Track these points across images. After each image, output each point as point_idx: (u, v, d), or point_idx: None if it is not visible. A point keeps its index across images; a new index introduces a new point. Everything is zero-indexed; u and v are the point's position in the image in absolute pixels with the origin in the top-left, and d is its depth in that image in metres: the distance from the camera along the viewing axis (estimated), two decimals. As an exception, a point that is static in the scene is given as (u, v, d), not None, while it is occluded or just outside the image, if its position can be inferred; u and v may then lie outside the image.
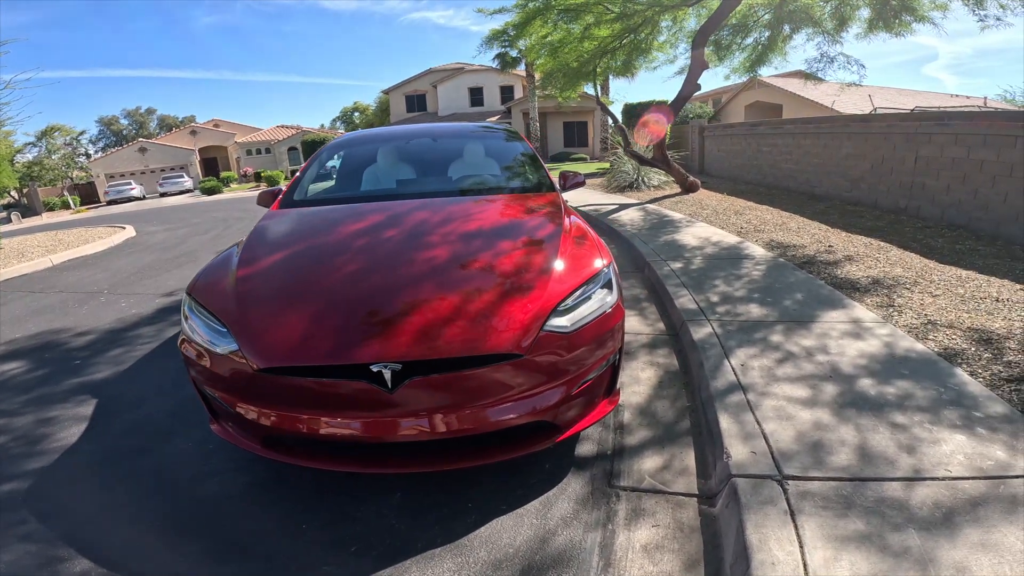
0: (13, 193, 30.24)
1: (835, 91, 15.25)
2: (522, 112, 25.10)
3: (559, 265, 1.97)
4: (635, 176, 10.66)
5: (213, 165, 35.47)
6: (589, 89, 11.33)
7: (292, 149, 33.05)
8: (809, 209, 6.86)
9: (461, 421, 1.66)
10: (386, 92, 32.53)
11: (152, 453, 2.32)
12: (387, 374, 1.59)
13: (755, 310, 3.26)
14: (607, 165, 14.44)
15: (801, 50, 26.36)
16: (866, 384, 2.25)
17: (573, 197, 9.61)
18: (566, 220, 2.35)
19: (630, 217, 7.15)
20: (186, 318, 1.98)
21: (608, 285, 2.00)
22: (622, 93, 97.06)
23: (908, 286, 3.53)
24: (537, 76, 12.42)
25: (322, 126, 50.09)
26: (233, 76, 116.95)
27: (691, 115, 18.71)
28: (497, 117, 28.69)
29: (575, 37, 8.09)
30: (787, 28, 7.22)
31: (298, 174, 3.26)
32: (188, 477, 2.12)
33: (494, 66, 21.23)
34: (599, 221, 7.09)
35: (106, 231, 11.27)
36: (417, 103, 31.67)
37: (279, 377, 1.66)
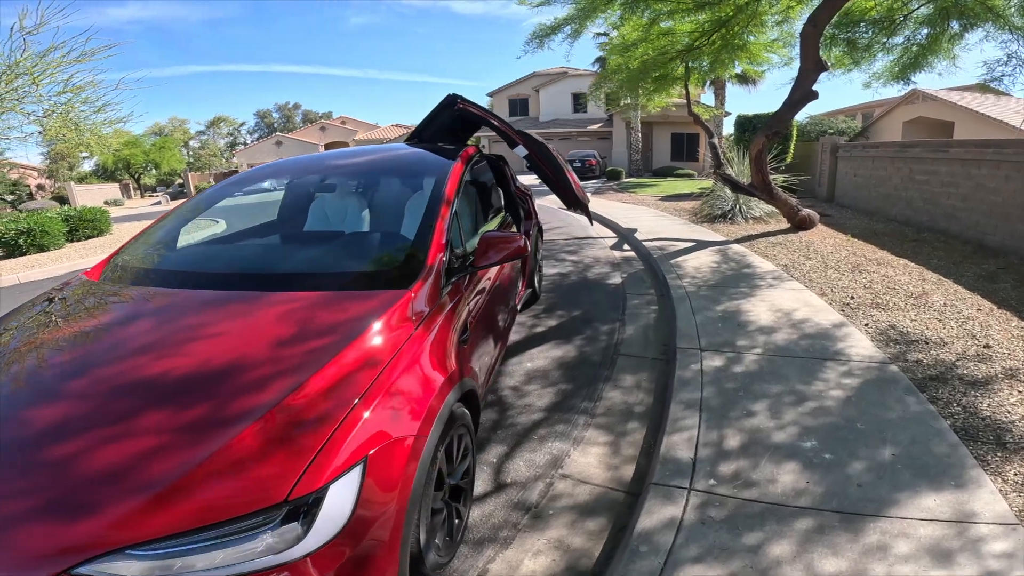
0: (179, 178, 36.07)
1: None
2: (624, 121, 23.77)
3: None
4: (733, 204, 9.08)
5: None
6: (709, 99, 9.92)
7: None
8: (971, 270, 5.02)
9: None
10: (490, 95, 33.25)
11: None
12: None
13: (787, 480, 2.08)
14: (709, 185, 12.78)
15: (977, 51, 21.65)
16: None
17: (644, 225, 8.38)
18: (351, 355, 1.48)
19: (699, 263, 5.85)
20: None
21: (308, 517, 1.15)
22: (740, 103, 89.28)
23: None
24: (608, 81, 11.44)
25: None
26: (376, 75, 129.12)
27: (829, 129, 16.04)
28: (599, 125, 27.66)
29: (655, 33, 6.96)
30: (955, 24, 5.41)
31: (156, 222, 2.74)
32: None
33: (596, 70, 20.30)
34: (655, 266, 5.91)
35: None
36: (520, 107, 31.88)
37: None
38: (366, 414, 1.32)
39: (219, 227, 3.40)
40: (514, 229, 4.43)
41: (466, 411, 1.90)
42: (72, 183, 31.37)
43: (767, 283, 4.92)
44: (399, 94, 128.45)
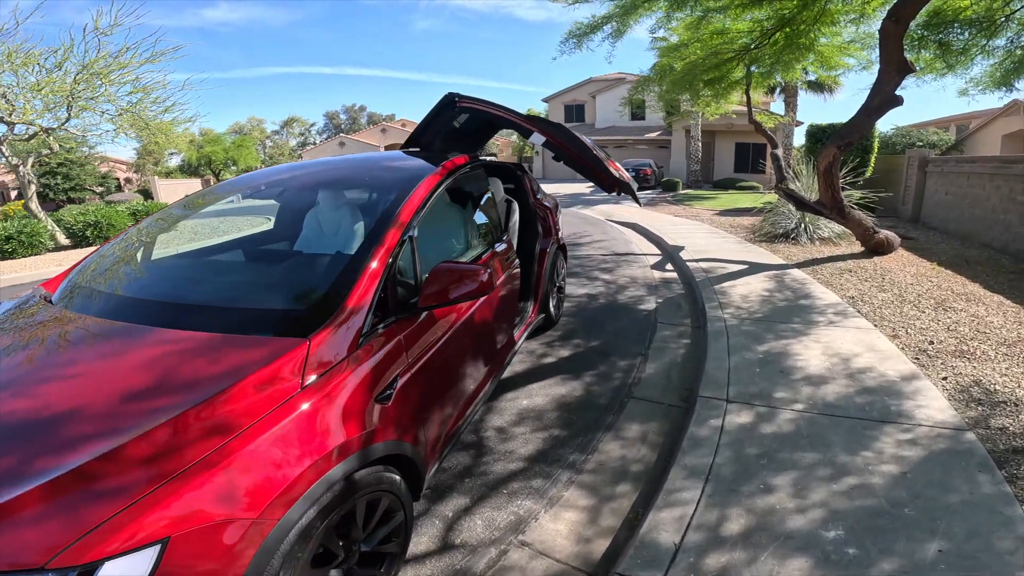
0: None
1: None
2: (684, 129, 22.85)
3: None
4: (797, 223, 8.29)
5: None
6: (780, 108, 9.22)
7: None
8: (1089, 316, 4.17)
9: None
10: (546, 100, 33.20)
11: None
12: None
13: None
14: (773, 200, 11.89)
15: None
16: None
17: (693, 243, 7.79)
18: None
19: (749, 291, 5.26)
20: None
21: None
22: (815, 112, 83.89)
23: None
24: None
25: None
26: (438, 78, 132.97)
27: (918, 142, 14.58)
28: (657, 133, 26.82)
29: (707, 32, 6.42)
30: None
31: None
32: None
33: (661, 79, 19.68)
34: (696, 291, 5.38)
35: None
36: (575, 113, 31.60)
37: None
38: (184, 489, 1.16)
39: (189, 239, 3.25)
40: (530, 246, 4.11)
41: (391, 475, 1.65)
42: (156, 178, 34.21)
43: (827, 319, 4.30)
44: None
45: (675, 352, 3.99)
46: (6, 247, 10.93)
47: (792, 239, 8.05)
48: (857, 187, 9.10)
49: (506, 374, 3.55)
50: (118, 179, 36.61)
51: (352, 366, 1.59)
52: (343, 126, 71.75)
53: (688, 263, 6.66)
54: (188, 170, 39.96)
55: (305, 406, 1.40)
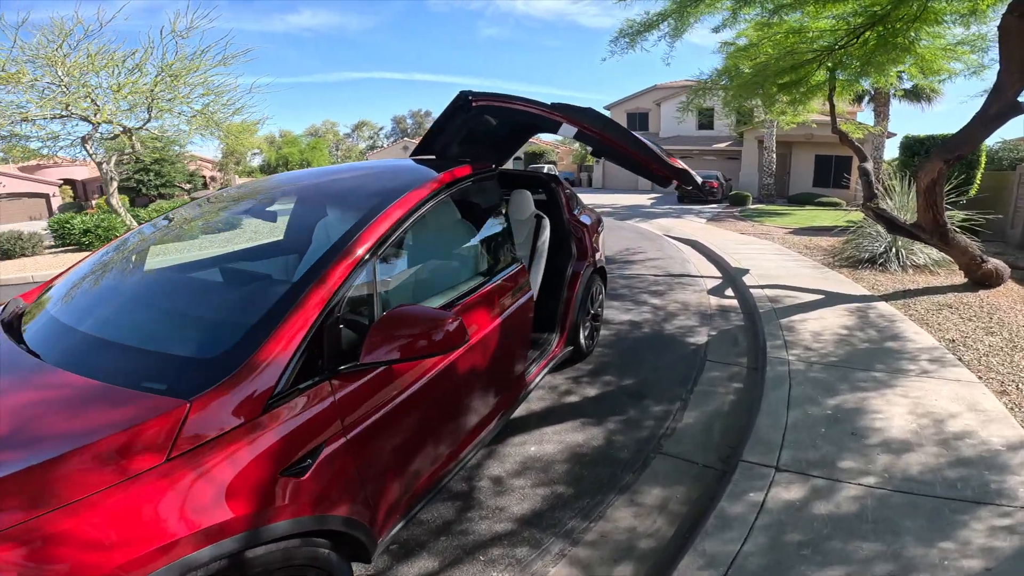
0: None
1: None
2: (756, 139, 21.54)
3: None
4: (886, 247, 7.35)
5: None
6: (868, 118, 8.34)
7: (516, 158, 36.06)
8: None
9: None
10: (608, 108, 32.66)
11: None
12: None
13: None
14: (858, 219, 10.78)
15: None
16: None
17: (760, 265, 7.06)
18: None
19: (822, 326, 4.59)
20: None
21: None
22: (909, 123, 76.34)
23: None
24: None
25: (551, 140, 53.87)
26: (502, 84, 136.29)
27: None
28: (726, 144, 25.55)
29: (781, 31, 5.77)
30: None
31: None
32: None
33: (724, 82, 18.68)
34: (758, 324, 4.77)
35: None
36: (639, 121, 30.80)
37: None
38: None
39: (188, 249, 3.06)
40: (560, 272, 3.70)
41: (315, 550, 1.40)
42: (236, 176, 36.74)
43: (918, 367, 3.61)
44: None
45: (722, 399, 3.46)
46: (84, 239, 11.88)
47: (880, 265, 7.12)
48: (959, 207, 8.00)
49: (520, 412, 3.20)
50: (204, 177, 39.52)
51: (251, 435, 1.30)
52: (409, 130, 74.52)
53: (752, 289, 6.00)
54: (268, 170, 42.67)
55: (166, 482, 1.15)
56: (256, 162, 46.07)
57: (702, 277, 7.24)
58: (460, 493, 2.47)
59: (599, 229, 4.45)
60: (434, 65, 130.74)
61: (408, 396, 1.79)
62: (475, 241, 2.61)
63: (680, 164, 3.03)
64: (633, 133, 2.94)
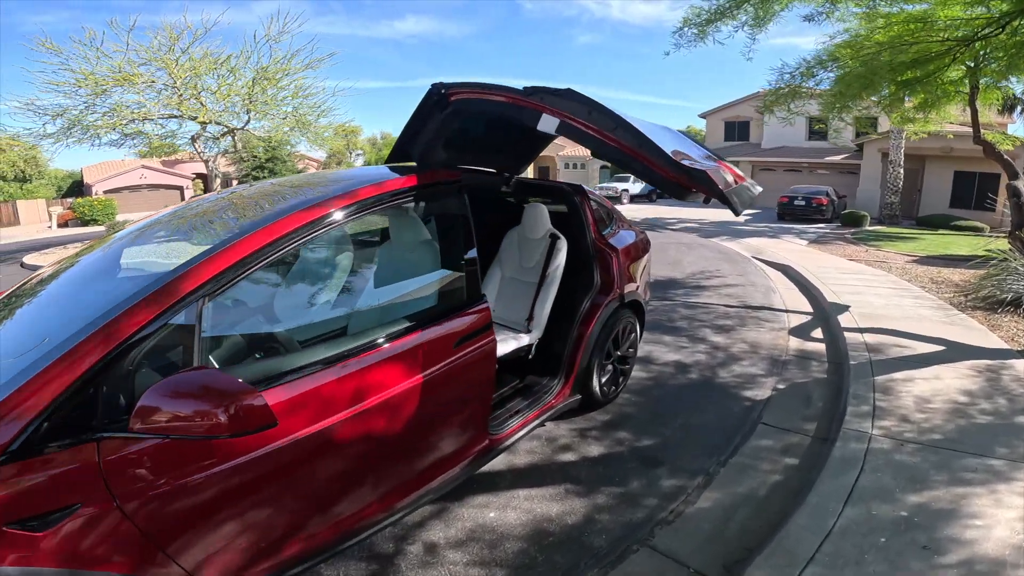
0: None
1: None
2: (879, 152, 18.96)
3: None
4: (1037, 288, 5.85)
5: (545, 174, 41.55)
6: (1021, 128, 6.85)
7: (604, 167, 35.40)
8: None
9: None
10: (703, 116, 30.88)
11: None
12: None
13: None
14: (1003, 248, 8.93)
15: None
16: None
17: (865, 301, 5.90)
18: None
19: (933, 391, 3.58)
20: None
21: None
22: None
23: None
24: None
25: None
26: (598, 92, 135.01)
27: None
28: (842, 156, 22.93)
29: (897, 19, 4.68)
30: None
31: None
32: None
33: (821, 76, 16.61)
34: (844, 380, 3.83)
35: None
36: (738, 131, 28.70)
37: None
38: None
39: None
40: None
41: None
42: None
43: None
44: (619, 110, 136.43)
45: (762, 479, 2.70)
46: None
47: (1026, 311, 5.67)
48: None
49: (498, 466, 2.74)
50: (311, 175, 43.12)
51: None
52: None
53: (847, 333, 4.94)
54: (368, 171, 45.85)
55: None
56: (359, 162, 49.28)
57: (786, 312, 6.19)
58: (378, 555, 2.10)
59: (639, 254, 3.78)
60: (530, 71, 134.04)
61: (245, 463, 1.50)
62: (410, 274, 2.23)
63: (700, 164, 2.23)
64: (632, 122, 2.21)
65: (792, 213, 17.92)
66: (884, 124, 20.04)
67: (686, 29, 5.39)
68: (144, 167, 31.46)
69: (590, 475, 2.70)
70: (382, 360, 1.85)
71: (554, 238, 3.17)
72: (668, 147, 2.16)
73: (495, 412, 2.60)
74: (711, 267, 9.09)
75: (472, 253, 2.26)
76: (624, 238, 3.66)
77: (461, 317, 2.15)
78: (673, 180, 2.21)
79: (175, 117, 14.25)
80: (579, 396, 3.10)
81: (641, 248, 3.85)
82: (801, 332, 5.35)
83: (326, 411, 1.68)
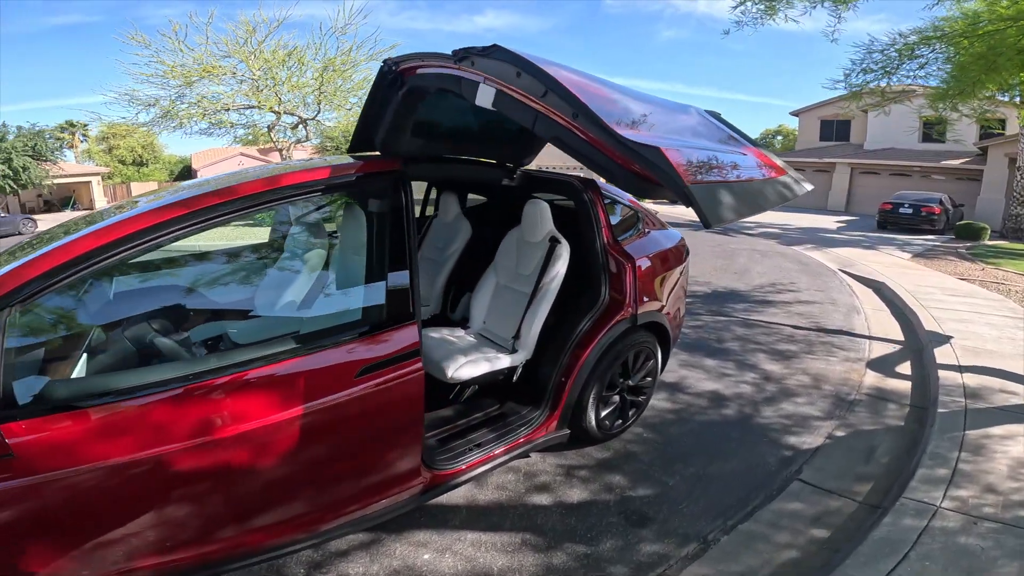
0: None
1: None
2: (1006, 156, 16.44)
3: None
4: None
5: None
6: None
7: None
8: None
9: None
10: (795, 113, 28.65)
11: None
12: None
13: None
14: None
15: None
16: None
17: (970, 332, 4.95)
18: None
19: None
20: None
21: None
22: None
23: None
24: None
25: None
26: (684, 89, 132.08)
27: None
28: (961, 161, 20.22)
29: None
30: None
31: None
32: None
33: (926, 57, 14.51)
34: (925, 433, 3.11)
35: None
36: (836, 130, 26.22)
37: None
38: None
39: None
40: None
41: None
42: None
43: None
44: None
45: (771, 555, 2.16)
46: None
47: None
48: None
49: (458, 499, 2.44)
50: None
51: None
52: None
53: (942, 371, 4.09)
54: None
55: None
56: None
57: (868, 339, 5.30)
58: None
59: (668, 265, 3.22)
60: (611, 67, 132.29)
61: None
62: (296, 286, 1.94)
63: (667, 141, 1.63)
64: (570, 86, 1.64)
65: (896, 222, 15.98)
66: (1013, 126, 17.39)
67: (748, 3, 4.67)
68: (242, 154, 34.22)
69: (558, 526, 2.29)
70: (234, 389, 1.58)
71: (554, 242, 2.75)
72: (618, 117, 1.65)
73: (452, 443, 2.26)
74: (784, 279, 8.15)
75: (403, 261, 1.91)
76: (648, 245, 3.14)
77: (371, 341, 1.81)
78: (626, 168, 1.67)
79: (252, 107, 15.12)
80: (568, 431, 2.68)
81: (672, 258, 3.29)
82: (883, 365, 4.52)
83: (157, 439, 1.46)
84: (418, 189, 3.87)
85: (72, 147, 38.89)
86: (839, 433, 3.27)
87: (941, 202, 16.06)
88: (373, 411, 1.82)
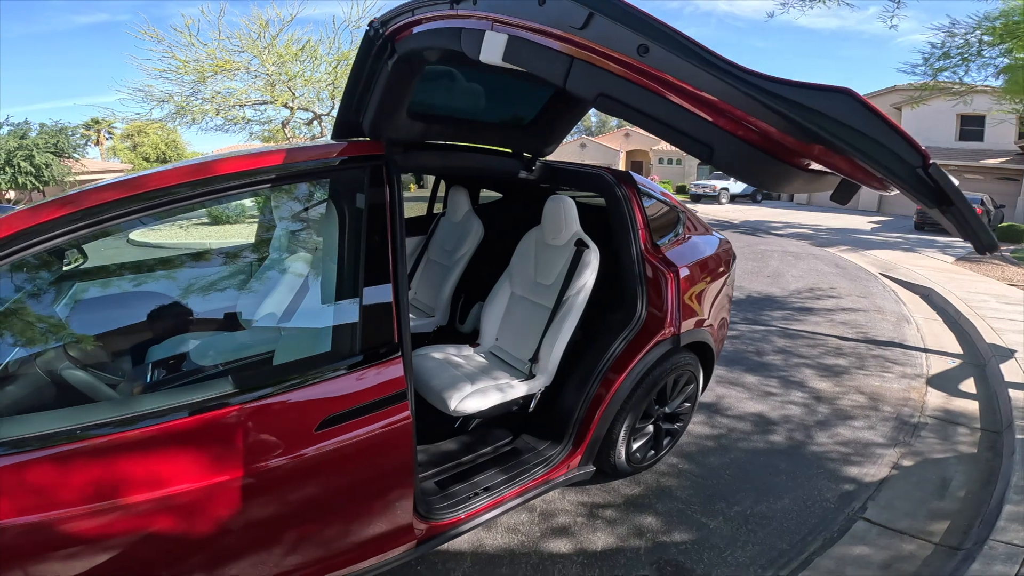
0: None
1: None
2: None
3: None
4: None
5: (638, 168, 40.09)
6: None
7: (703, 164, 33.58)
8: None
9: None
10: (828, 113, 27.76)
11: None
12: None
13: None
14: None
15: None
16: None
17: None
18: None
19: None
20: None
21: None
22: None
23: None
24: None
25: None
26: None
27: None
28: (1003, 160, 19.30)
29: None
30: None
31: None
32: None
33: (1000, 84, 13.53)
34: (1002, 460, 2.70)
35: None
36: (870, 130, 25.38)
37: None
38: None
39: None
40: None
41: None
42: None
43: None
44: None
45: None
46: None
47: None
48: None
49: (462, 546, 2.07)
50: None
51: None
52: (592, 128, 75.05)
53: (1013, 390, 3.64)
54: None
55: None
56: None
57: (924, 352, 4.81)
58: None
59: (714, 274, 2.78)
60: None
61: None
62: (236, 309, 1.59)
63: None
64: (636, 8, 1.18)
65: (935, 223, 15.25)
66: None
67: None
68: (261, 151, 35.11)
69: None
70: (147, 445, 1.22)
71: (581, 247, 2.34)
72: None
73: (454, 487, 1.91)
74: (823, 284, 7.65)
75: (383, 273, 1.51)
76: (690, 251, 2.69)
77: (338, 382, 1.42)
78: (757, 143, 1.08)
79: (267, 103, 15.06)
80: (592, 468, 2.30)
81: (718, 266, 2.85)
82: (945, 383, 4.05)
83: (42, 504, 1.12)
84: (427, 185, 3.52)
85: (98, 144, 39.65)
86: (906, 463, 2.85)
87: (983, 202, 15.31)
88: (342, 470, 1.44)
